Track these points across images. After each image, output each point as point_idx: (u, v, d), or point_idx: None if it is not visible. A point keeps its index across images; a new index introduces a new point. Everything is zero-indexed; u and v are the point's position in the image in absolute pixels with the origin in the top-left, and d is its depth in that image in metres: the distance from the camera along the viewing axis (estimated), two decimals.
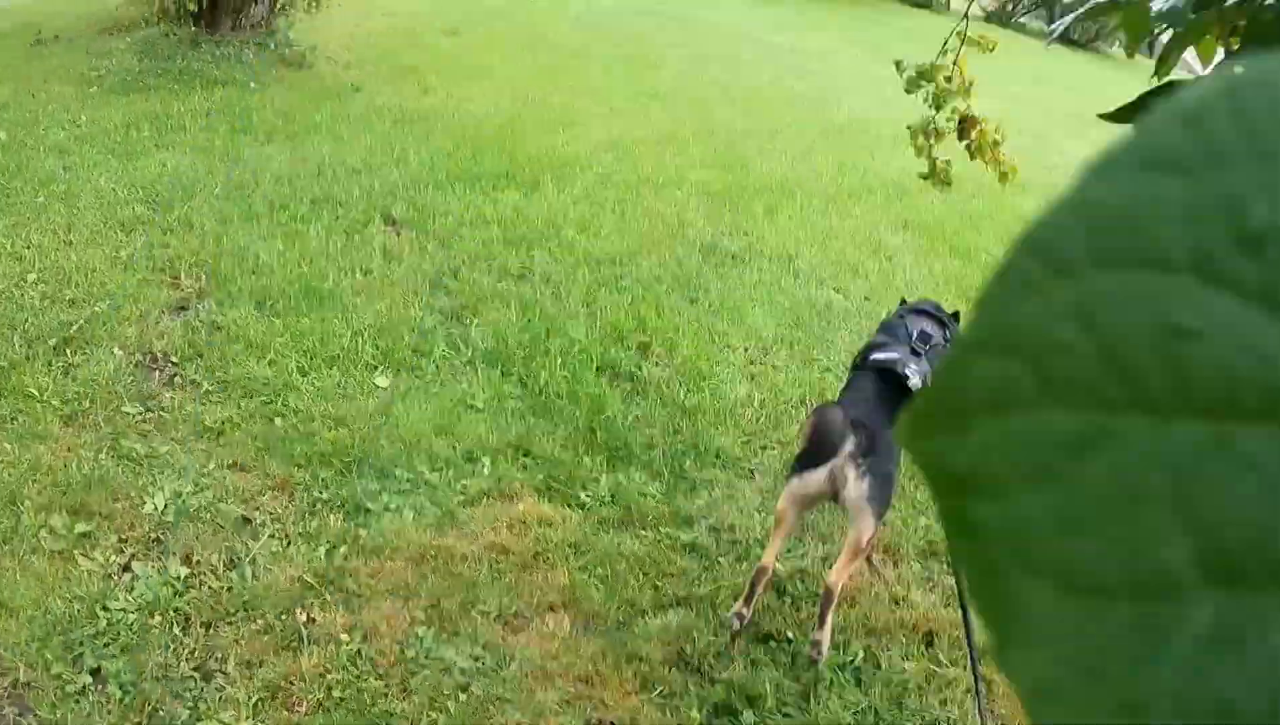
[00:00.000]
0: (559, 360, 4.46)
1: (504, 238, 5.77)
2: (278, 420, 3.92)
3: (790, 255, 6.26)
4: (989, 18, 35.67)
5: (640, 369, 4.52)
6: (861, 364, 3.28)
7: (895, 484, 3.01)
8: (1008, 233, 7.22)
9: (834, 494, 2.82)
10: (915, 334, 3.31)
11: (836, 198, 7.75)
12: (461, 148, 7.29)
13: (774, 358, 4.96)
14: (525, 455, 3.83)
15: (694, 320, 5.12)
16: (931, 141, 3.66)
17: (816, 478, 2.80)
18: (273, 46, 9.34)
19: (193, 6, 8.97)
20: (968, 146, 3.62)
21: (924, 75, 3.56)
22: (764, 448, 4.16)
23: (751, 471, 3.98)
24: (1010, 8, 36.06)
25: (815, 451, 2.81)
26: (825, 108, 11.24)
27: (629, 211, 6.46)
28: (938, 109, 3.65)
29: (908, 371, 3.04)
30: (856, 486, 2.74)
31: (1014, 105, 15.87)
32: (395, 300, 4.92)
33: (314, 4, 9.91)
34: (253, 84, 8.35)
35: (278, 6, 9.77)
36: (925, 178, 3.87)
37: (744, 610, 2.92)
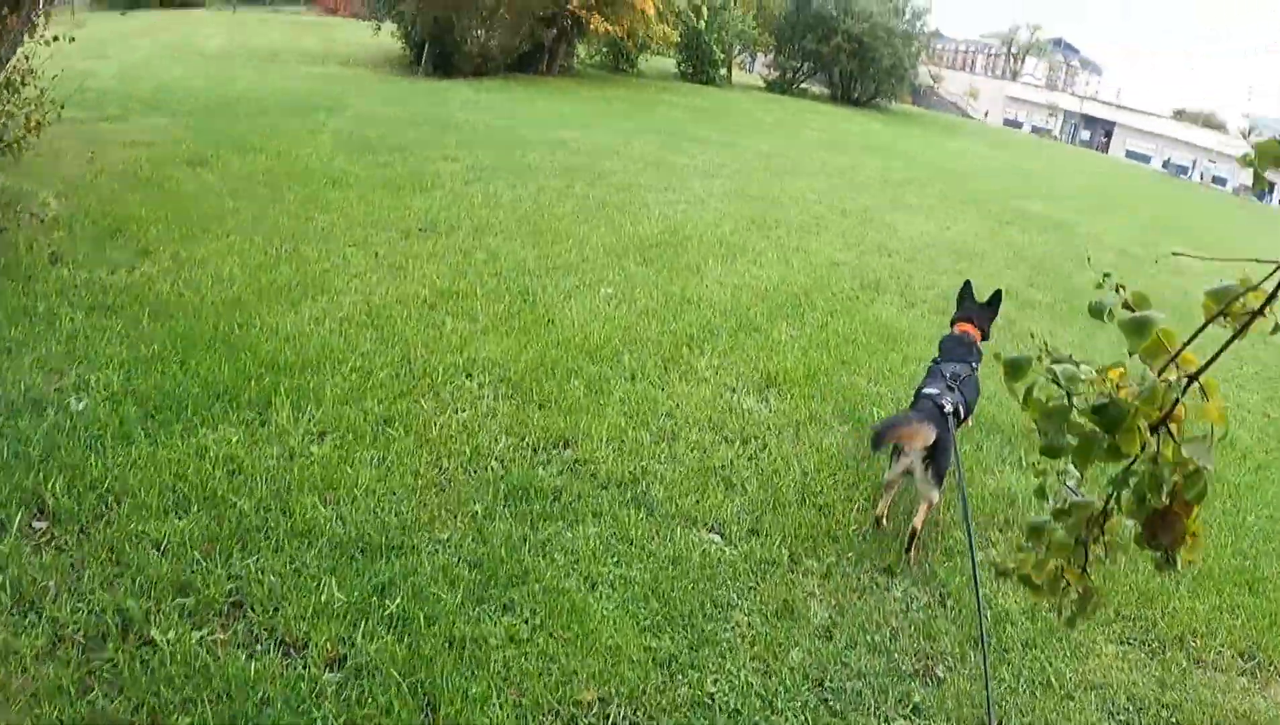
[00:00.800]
0: None
1: (206, 532, 3.68)
2: None
3: (635, 476, 4.42)
4: (770, 86, 35.83)
5: None
6: (916, 397, 4.44)
7: (950, 463, 4.12)
8: (890, 371, 5.52)
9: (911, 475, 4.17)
10: (949, 375, 4.41)
11: (674, 352, 6.00)
12: (169, 352, 5.14)
13: (649, 716, 3.06)
14: None
15: (512, 661, 3.17)
16: (1088, 571, 1.53)
17: (899, 468, 4.16)
18: None
19: None
20: (1166, 552, 1.51)
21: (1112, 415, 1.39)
22: None
23: None
24: (789, 76, 36.25)
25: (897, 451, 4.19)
26: (631, 218, 9.60)
27: (398, 441, 4.48)
28: (1133, 508, 1.44)
29: (944, 402, 4.18)
30: (923, 478, 4.08)
31: (840, 178, 14.83)
32: None
33: (15, 147, 7.53)
34: None
35: None
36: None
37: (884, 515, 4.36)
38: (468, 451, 4.42)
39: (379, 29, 24.40)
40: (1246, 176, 55.71)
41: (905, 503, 4.53)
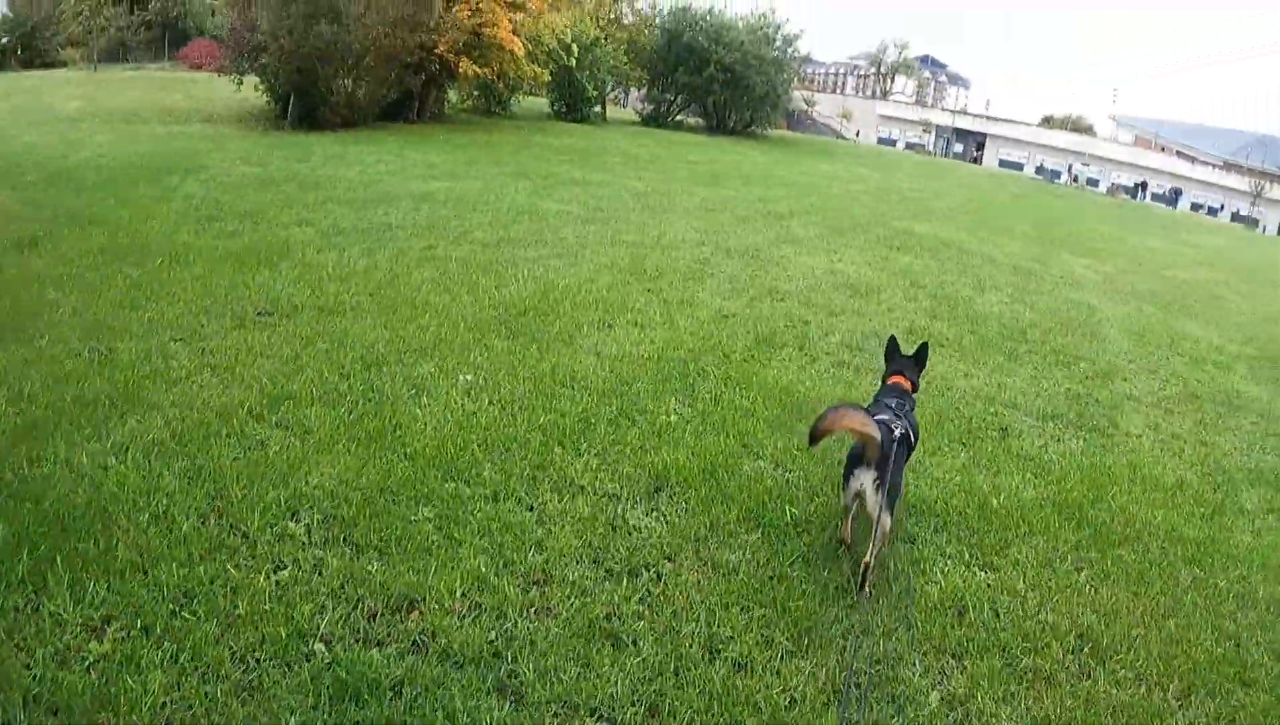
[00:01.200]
0: None
1: None
2: None
3: (497, 648, 3.49)
4: (645, 120, 35.49)
5: None
6: None
7: (901, 490, 4.56)
8: (798, 449, 4.71)
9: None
10: (894, 405, 4.63)
11: (544, 454, 5.13)
12: None
13: None
14: None
15: None
16: None
17: (851, 490, 4.26)
18: None
19: None
20: None
21: None
22: None
23: None
24: (664, 109, 35.96)
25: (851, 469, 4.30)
26: (497, 280, 8.77)
27: (197, 628, 3.44)
28: None
29: (894, 427, 4.30)
30: (874, 500, 4.11)
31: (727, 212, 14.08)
32: None
33: None
34: None
35: None
36: None
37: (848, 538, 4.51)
38: (284, 634, 3.45)
39: (241, 84, 23.27)
40: (1119, 176, 57.33)
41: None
